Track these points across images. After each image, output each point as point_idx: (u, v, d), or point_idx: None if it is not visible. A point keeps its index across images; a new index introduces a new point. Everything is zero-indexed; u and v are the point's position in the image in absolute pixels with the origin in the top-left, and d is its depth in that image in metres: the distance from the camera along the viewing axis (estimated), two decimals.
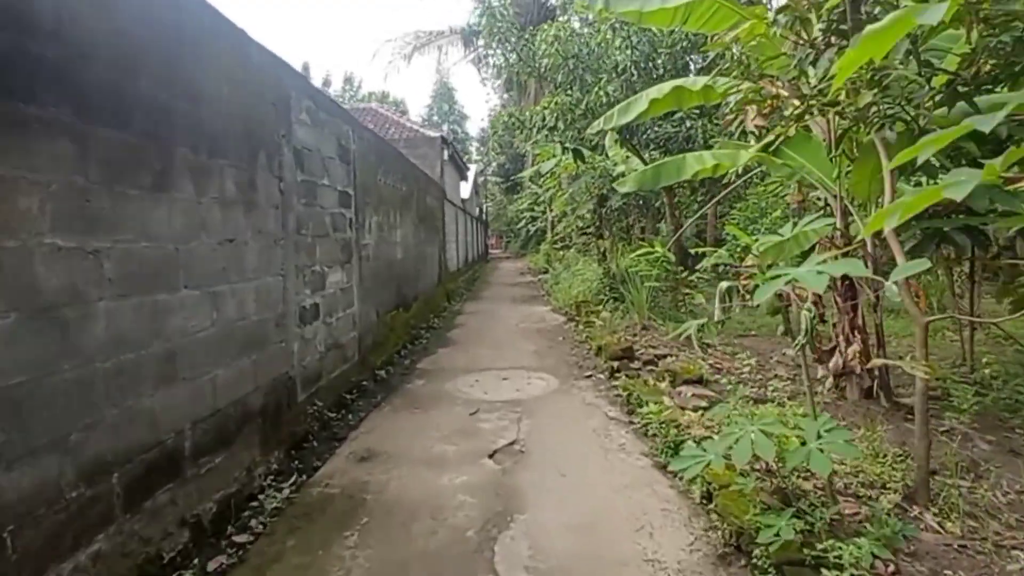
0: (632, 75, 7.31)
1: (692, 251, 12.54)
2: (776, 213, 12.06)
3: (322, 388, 4.82)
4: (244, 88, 3.47)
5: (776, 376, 5.78)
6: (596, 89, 7.19)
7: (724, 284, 3.61)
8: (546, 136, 8.15)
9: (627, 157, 13.38)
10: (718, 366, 6.25)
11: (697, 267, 13.06)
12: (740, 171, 10.14)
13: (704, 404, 4.66)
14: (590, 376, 6.48)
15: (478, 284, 18.56)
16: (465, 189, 22.58)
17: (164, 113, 2.68)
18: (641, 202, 11.98)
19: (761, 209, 12.89)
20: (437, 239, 12.41)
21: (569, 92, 7.58)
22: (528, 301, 13.75)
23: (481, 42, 17.95)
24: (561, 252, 18.47)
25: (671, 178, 4.65)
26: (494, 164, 41.59)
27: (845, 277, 4.79)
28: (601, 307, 9.84)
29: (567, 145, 8.22)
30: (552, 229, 21.84)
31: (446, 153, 14.45)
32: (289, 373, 4.12)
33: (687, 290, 6.96)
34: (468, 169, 19.96)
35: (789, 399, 4.96)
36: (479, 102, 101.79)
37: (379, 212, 6.90)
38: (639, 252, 7.16)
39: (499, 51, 8.22)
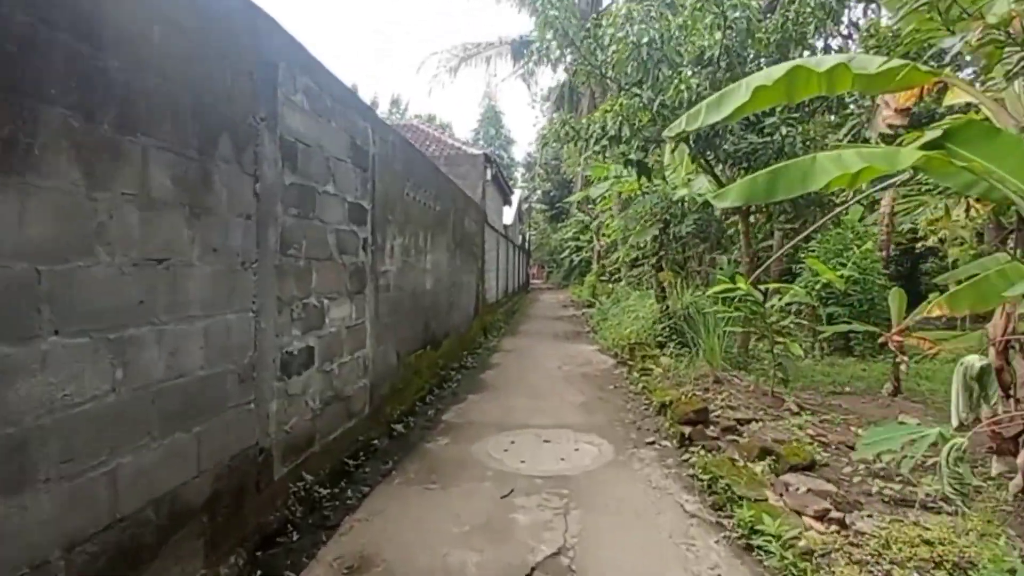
0: (720, 65, 6.12)
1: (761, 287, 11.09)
2: (867, 245, 10.54)
3: (314, 456, 3.72)
4: (196, 39, 2.47)
5: (905, 457, 4.34)
6: (676, 82, 6.03)
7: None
8: (605, 148, 7.01)
9: (689, 179, 12.21)
10: (823, 438, 4.85)
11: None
12: (851, 189, 8.71)
13: (827, 506, 3.31)
14: (653, 443, 5.17)
15: (517, 317, 17.41)
16: (508, 214, 21.67)
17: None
18: (700, 230, 10.66)
19: (846, 241, 11.37)
20: (475, 267, 11.38)
21: (638, 91, 6.45)
22: (572, 338, 12.49)
23: (534, 50, 17.19)
24: (610, 285, 17.18)
25: (792, 188, 3.43)
26: (539, 192, 40.88)
27: None
28: (660, 351, 8.50)
29: (632, 157, 7.05)
30: (599, 260, 20.63)
31: (489, 173, 13.55)
32: (260, 444, 3.04)
33: (779, 338, 5.60)
34: (512, 193, 19.05)
35: (942, 500, 3.56)
36: (526, 127, 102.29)
37: (404, 233, 5.89)
38: (717, 289, 5.86)
39: (554, 46, 7.16)
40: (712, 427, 5.14)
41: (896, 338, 3.58)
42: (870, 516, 3.34)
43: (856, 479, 3.93)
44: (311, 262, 3.67)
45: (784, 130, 6.64)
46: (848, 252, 10.64)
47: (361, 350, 4.59)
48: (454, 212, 8.81)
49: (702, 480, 4.11)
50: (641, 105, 6.43)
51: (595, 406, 6.51)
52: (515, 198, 23.51)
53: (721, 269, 13.29)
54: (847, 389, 6.88)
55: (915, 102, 4.92)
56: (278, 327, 3.22)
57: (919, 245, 11.75)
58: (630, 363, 8.54)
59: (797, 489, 3.65)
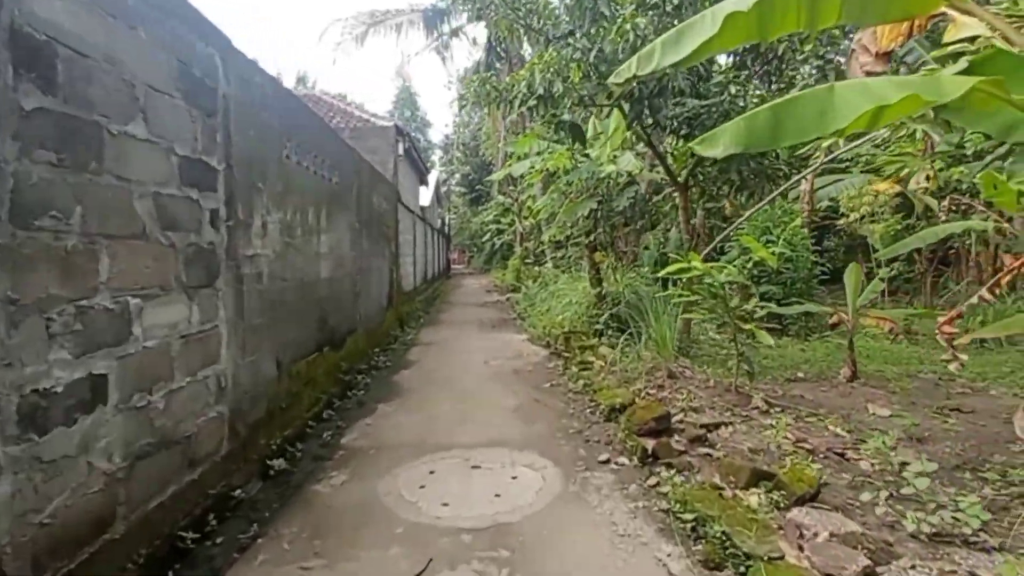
0: (666, 9, 5.15)
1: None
2: (796, 222, 10.19)
3: (112, 545, 2.38)
4: None
5: (901, 468, 3.63)
6: (620, 22, 4.99)
7: None
8: (533, 109, 5.90)
9: (615, 156, 11.44)
10: (805, 443, 4.08)
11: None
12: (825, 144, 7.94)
13: (866, 563, 2.42)
14: (607, 461, 4.20)
15: (439, 304, 16.12)
16: (426, 196, 20.18)
17: None
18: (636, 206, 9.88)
19: (773, 218, 11.02)
20: (388, 251, 9.99)
21: (572, 40, 5.38)
22: (499, 327, 11.43)
23: (446, 27, 15.69)
24: (535, 268, 16.28)
25: (805, 129, 2.50)
26: (458, 175, 39.36)
27: None
28: (598, 340, 7.61)
29: (565, 118, 5.99)
30: (522, 242, 19.71)
31: (401, 147, 12.03)
32: None
33: (744, 325, 4.79)
34: (429, 173, 17.56)
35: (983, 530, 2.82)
36: (443, 108, 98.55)
37: (285, 207, 4.50)
38: (670, 269, 4.96)
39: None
40: (677, 436, 4.24)
41: (947, 328, 2.76)
42: (914, 568, 2.51)
43: (874, 506, 3.12)
44: (98, 241, 2.29)
45: (733, 89, 5.83)
46: (777, 229, 10.28)
47: (212, 366, 3.23)
48: (358, 187, 7.40)
49: (682, 520, 3.15)
50: (574, 57, 5.38)
51: (532, 411, 5.47)
52: (432, 179, 21.99)
53: (647, 248, 12.72)
54: (800, 375, 6.29)
55: (902, 42, 4.16)
56: (11, 350, 1.86)
57: (841, 222, 11.64)
58: (566, 355, 7.59)
59: (815, 534, 2.75)
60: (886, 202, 10.42)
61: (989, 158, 3.77)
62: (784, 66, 6.22)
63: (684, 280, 5.58)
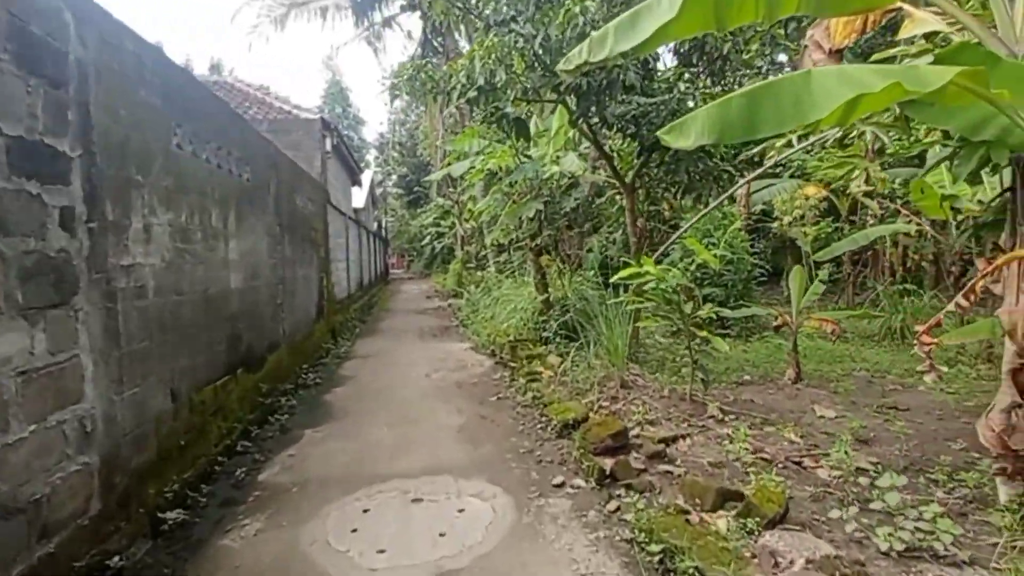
0: None
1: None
2: (736, 224, 10.22)
3: None
4: None
5: (860, 474, 3.42)
6: (567, 8, 4.60)
7: None
8: (472, 101, 5.43)
9: (558, 156, 11.20)
10: (764, 453, 3.82)
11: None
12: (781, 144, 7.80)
13: None
14: (562, 484, 3.79)
15: (376, 312, 15.33)
16: (359, 197, 19.23)
17: None
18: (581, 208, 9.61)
19: (713, 220, 11.05)
20: (316, 257, 9.24)
21: (515, 26, 4.95)
22: (440, 335, 10.87)
23: (378, 16, 14.86)
24: (477, 273, 15.80)
25: (782, 119, 2.18)
26: (395, 176, 38.23)
27: None
28: (545, 348, 7.23)
29: (508, 111, 5.55)
30: (463, 246, 19.19)
31: (329, 142, 11.17)
32: None
33: (698, 331, 4.51)
34: (362, 173, 16.65)
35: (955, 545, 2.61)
36: (378, 105, 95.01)
37: (177, 206, 3.82)
38: (623, 274, 4.62)
39: None
40: (635, 453, 3.88)
41: (927, 339, 2.51)
42: None
43: (844, 523, 2.85)
44: None
45: (682, 86, 5.58)
46: (717, 232, 10.31)
47: (71, 407, 2.57)
48: (277, 185, 6.68)
49: (649, 552, 2.77)
50: (517, 45, 4.97)
51: (478, 430, 4.99)
52: (366, 179, 21.01)
53: (590, 251, 12.51)
54: (747, 377, 6.13)
55: (856, 38, 3.99)
56: None
57: (775, 226, 11.85)
58: (512, 364, 7.16)
59: (791, 562, 2.44)
60: (815, 206, 10.66)
61: (935, 160, 3.63)
62: (727, 66, 6.07)
63: (635, 285, 5.28)
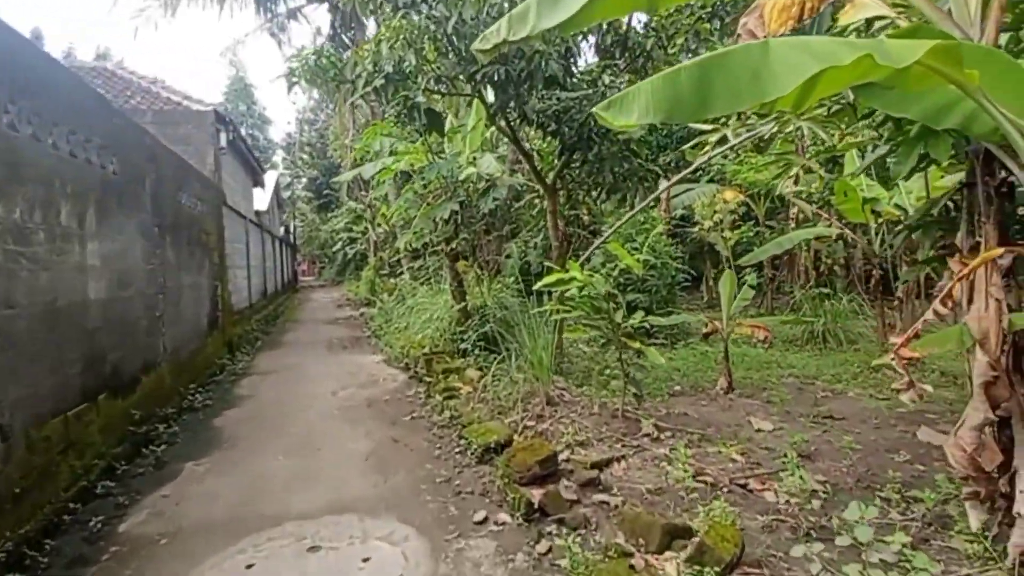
0: None
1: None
2: (658, 228, 10.33)
3: None
4: None
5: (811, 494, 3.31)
6: None
7: None
8: (380, 91, 4.94)
9: (474, 157, 10.91)
10: (705, 476, 3.62)
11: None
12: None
13: None
14: (484, 520, 3.39)
15: (282, 323, 14.19)
16: (262, 199, 17.83)
17: None
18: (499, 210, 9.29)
19: (636, 224, 11.14)
20: (209, 264, 8.26)
21: (427, 7, 4.52)
22: (351, 347, 10.13)
23: (282, 7, 13.81)
24: (391, 280, 15.09)
25: (737, 95, 1.91)
26: (304, 178, 36.25)
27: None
28: (464, 361, 6.81)
29: (419, 100, 5.10)
30: (376, 251, 18.34)
31: (224, 137, 10.05)
32: None
33: (631, 343, 4.28)
34: (264, 173, 15.37)
35: None
36: (286, 105, 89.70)
37: (7, 200, 3.05)
38: (548, 280, 4.31)
39: None
40: (566, 481, 3.55)
41: (906, 352, 2.33)
42: None
43: (805, 560, 2.65)
44: None
45: (607, 79, 5.41)
46: (640, 236, 10.38)
47: None
48: (156, 181, 5.81)
49: None
50: (429, 28, 4.55)
51: (390, 457, 4.48)
52: (271, 180, 19.56)
53: (509, 257, 12.26)
54: (677, 387, 6.04)
55: (792, 27, 3.92)
56: None
57: (695, 230, 12.17)
58: (428, 379, 6.67)
59: None
60: (734, 210, 11.04)
61: (871, 157, 3.60)
62: (650, 64, 5.99)
63: (559, 293, 5.01)
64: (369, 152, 10.09)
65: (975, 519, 2.69)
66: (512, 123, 6.44)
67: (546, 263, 13.22)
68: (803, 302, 9.52)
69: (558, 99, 5.80)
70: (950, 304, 2.38)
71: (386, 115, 6.99)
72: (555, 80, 5.07)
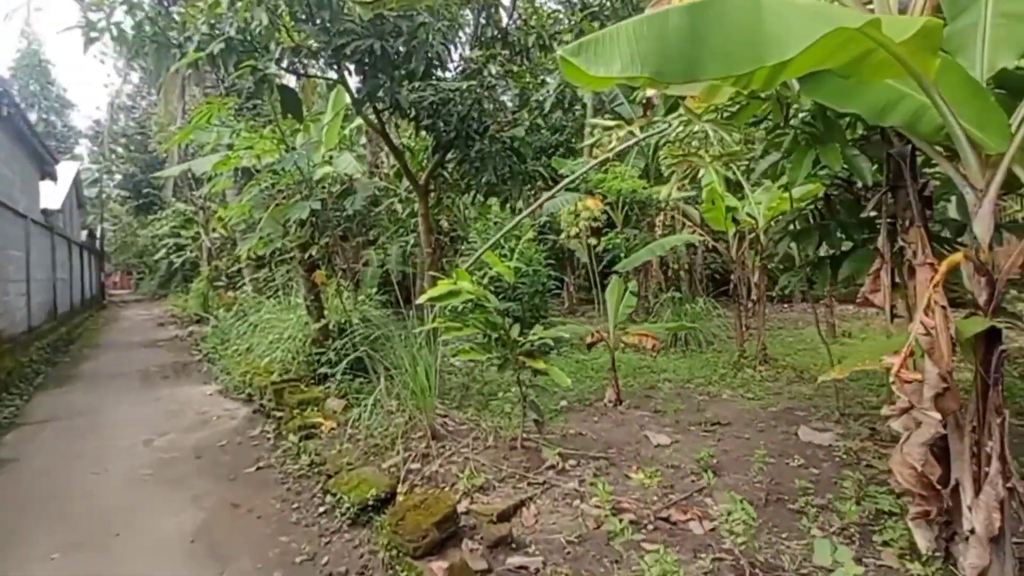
0: None
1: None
2: (529, 234, 9.97)
3: None
4: None
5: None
6: None
7: None
8: (218, 60, 3.80)
9: (331, 156, 9.80)
10: (627, 511, 3.10)
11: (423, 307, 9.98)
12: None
13: None
14: None
15: (78, 349, 11.43)
16: (55, 196, 14.44)
17: None
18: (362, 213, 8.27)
19: (498, 227, 10.71)
20: None
21: None
22: (177, 376, 8.32)
23: None
24: (230, 293, 13.07)
25: (733, 58, 1.37)
26: (118, 175, 30.85)
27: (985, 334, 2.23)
28: (323, 388, 5.72)
29: (270, 72, 3.98)
30: (210, 260, 15.90)
31: None
32: None
33: (531, 362, 3.65)
34: (57, 163, 12.29)
35: None
36: (96, 88, 75.47)
37: None
38: (436, 292, 3.52)
39: None
40: (471, 543, 2.80)
41: (907, 375, 1.93)
42: None
43: None
44: None
45: (493, 69, 4.77)
46: (509, 242, 9.99)
47: None
48: None
49: None
50: None
51: (227, 533, 3.35)
52: (67, 173, 16.00)
53: (367, 264, 11.16)
54: (563, 403, 5.58)
55: None
56: None
57: (561, 237, 12.08)
58: (278, 414, 5.48)
59: None
60: (596, 217, 11.09)
61: (765, 163, 3.39)
62: (526, 63, 5.50)
63: (443, 307, 4.25)
64: (203, 144, 8.45)
65: (924, 541, 2.46)
66: (381, 114, 5.55)
67: (409, 271, 12.31)
68: (664, 306, 9.81)
69: (435, 89, 5.04)
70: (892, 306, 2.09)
71: (228, 92, 5.66)
72: (436, 63, 4.32)
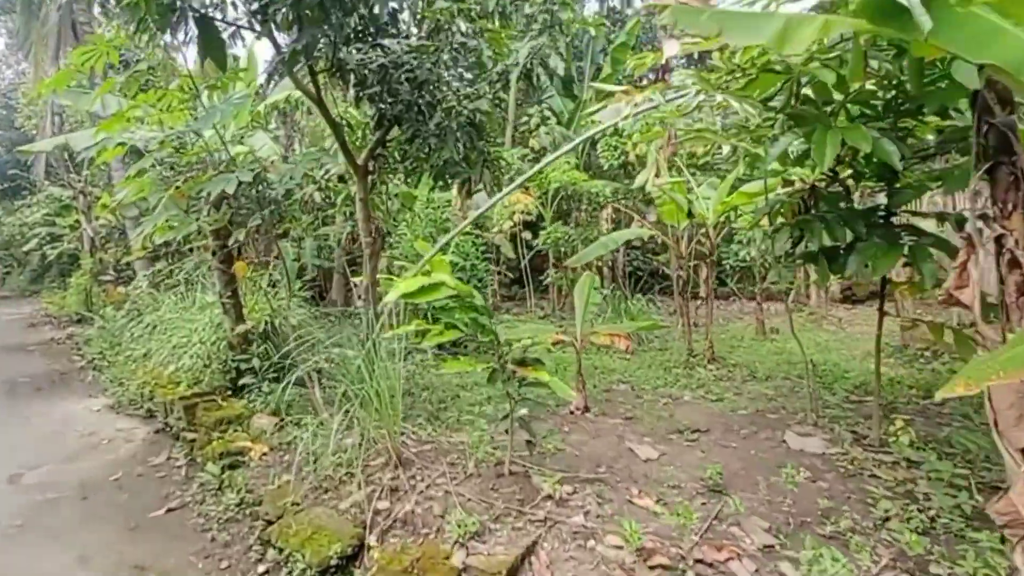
0: None
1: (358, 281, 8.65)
2: (464, 228, 9.31)
3: None
4: None
5: None
6: None
7: None
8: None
9: (244, 133, 8.88)
10: (654, 550, 2.59)
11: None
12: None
13: None
14: None
15: None
16: None
17: None
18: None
19: (436, 223, 10.11)
20: None
21: None
22: (53, 389, 6.90)
23: None
24: (120, 289, 11.38)
25: None
26: None
27: None
28: (248, 405, 4.80)
29: (191, 5, 3.05)
30: (94, 251, 13.85)
31: None
32: None
33: (526, 371, 3.06)
34: None
35: None
36: None
37: None
38: (408, 286, 2.83)
39: None
40: None
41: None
42: None
43: None
44: None
45: (463, 26, 4.10)
46: (443, 234, 9.37)
47: None
48: None
49: None
50: None
51: None
52: None
53: (278, 258, 10.06)
54: (523, 411, 5.00)
55: None
56: None
57: (494, 231, 11.50)
58: (190, 435, 4.52)
59: None
60: (529, 212, 10.65)
61: (781, 144, 3.03)
62: (508, 21, 4.83)
63: (407, 305, 3.57)
64: (84, 117, 7.07)
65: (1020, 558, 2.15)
66: (317, 77, 4.69)
67: (326, 265, 11.25)
68: (607, 303, 9.54)
69: (385, 50, 4.28)
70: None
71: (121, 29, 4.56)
72: (396, 15, 3.59)
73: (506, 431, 3.29)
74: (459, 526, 2.57)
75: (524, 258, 10.94)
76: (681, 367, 6.40)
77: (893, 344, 6.59)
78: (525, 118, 11.12)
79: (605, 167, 9.70)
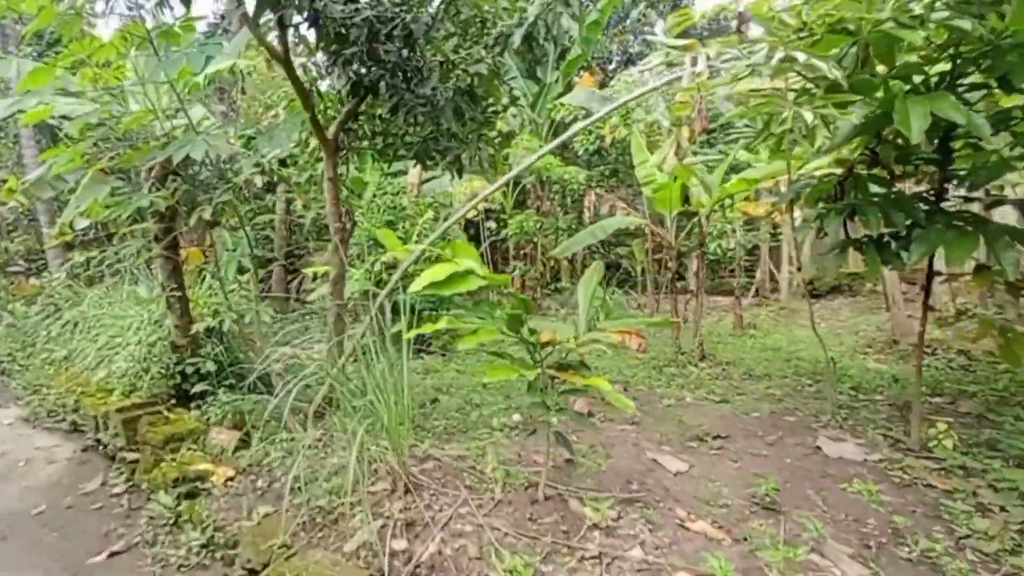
0: None
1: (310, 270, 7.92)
2: (428, 214, 8.71)
3: None
4: None
5: None
6: None
7: None
8: None
9: (176, 108, 7.90)
10: None
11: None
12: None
13: None
14: None
15: None
16: None
17: None
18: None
19: (397, 210, 9.49)
20: None
21: None
22: None
23: None
24: (34, 281, 9.97)
25: None
26: None
27: None
28: (202, 416, 4.06)
29: None
30: (0, 239, 12.18)
31: None
32: None
33: (569, 377, 2.57)
34: None
35: None
36: None
37: None
38: (435, 275, 2.27)
39: None
40: None
41: None
42: None
43: None
44: None
45: None
46: (403, 223, 8.82)
47: None
48: None
49: None
50: None
51: None
52: None
53: (212, 247, 9.12)
54: (516, 416, 4.51)
55: None
56: None
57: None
58: (129, 453, 3.75)
59: None
60: (495, 199, 10.20)
61: (853, 119, 2.70)
62: None
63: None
64: None
65: None
66: (286, 33, 3.97)
67: (269, 255, 10.33)
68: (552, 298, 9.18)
69: (372, 2, 3.64)
70: None
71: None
72: None
73: (549, 448, 2.78)
74: (511, 574, 2.06)
75: (486, 249, 10.40)
76: (672, 366, 6.08)
77: (881, 340, 6.55)
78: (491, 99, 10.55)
79: (580, 152, 9.30)
